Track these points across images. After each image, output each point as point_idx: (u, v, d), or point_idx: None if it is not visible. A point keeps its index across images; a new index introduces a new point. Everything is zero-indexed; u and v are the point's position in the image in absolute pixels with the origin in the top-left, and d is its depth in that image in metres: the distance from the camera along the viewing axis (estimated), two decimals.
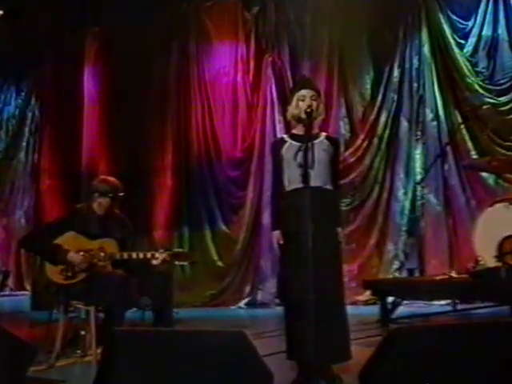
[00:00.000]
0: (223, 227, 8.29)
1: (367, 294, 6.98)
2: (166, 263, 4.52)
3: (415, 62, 7.53)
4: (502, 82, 7.17)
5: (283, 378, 3.45)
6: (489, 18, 7.21)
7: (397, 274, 7.34)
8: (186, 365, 2.62)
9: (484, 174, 6.96)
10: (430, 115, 7.38)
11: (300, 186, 3.46)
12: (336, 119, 7.78)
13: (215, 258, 8.21)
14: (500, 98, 7.11)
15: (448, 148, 6.94)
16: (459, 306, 6.04)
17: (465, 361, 2.39)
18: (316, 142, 3.66)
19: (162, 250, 4.49)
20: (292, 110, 3.77)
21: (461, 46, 7.34)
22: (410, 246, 7.38)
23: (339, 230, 3.74)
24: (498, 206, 5.63)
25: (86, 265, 4.42)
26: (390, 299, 5.87)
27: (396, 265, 7.40)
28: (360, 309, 6.76)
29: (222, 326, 6.22)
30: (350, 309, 3.84)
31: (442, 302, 6.45)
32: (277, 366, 3.07)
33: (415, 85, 7.51)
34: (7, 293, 8.91)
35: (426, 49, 7.46)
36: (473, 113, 6.96)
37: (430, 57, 7.43)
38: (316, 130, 3.77)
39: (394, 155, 7.58)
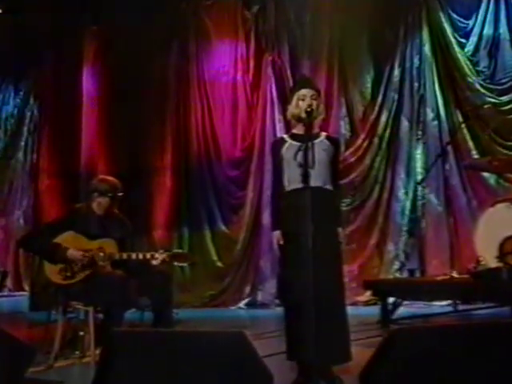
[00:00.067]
0: (223, 227, 8.28)
1: (368, 295, 6.98)
2: (165, 264, 4.50)
3: (416, 61, 7.53)
4: (503, 81, 7.16)
5: (283, 379, 3.43)
6: (490, 17, 7.21)
7: (397, 275, 7.33)
8: (185, 366, 2.60)
9: (485, 174, 6.96)
10: (430, 115, 7.38)
11: (300, 185, 3.44)
12: (336, 119, 7.77)
13: (215, 258, 8.20)
14: (501, 98, 7.11)
15: (449, 148, 6.94)
16: (460, 307, 6.04)
17: (466, 362, 2.37)
18: (316, 141, 3.64)
19: (161, 251, 4.49)
20: (292, 109, 3.75)
21: (462, 46, 7.33)
22: (411, 247, 7.38)
23: (339, 230, 3.72)
24: (499, 206, 5.60)
25: (87, 261, 4.39)
26: (391, 300, 5.86)
27: (397, 265, 7.39)
28: (360, 309, 6.75)
29: (222, 326, 6.20)
30: (350, 309, 3.83)
31: (443, 303, 6.45)
32: (277, 366, 3.05)
33: (416, 84, 7.50)
34: (5, 293, 8.90)
35: (426, 48, 7.45)
36: (474, 112, 6.95)
37: (430, 56, 7.42)
38: (316, 130, 3.75)
39: (395, 155, 7.58)
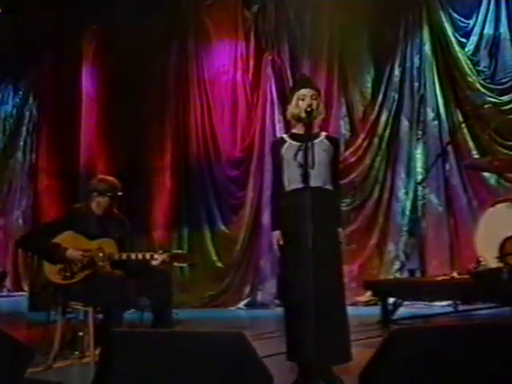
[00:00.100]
0: (223, 227, 8.26)
1: (368, 295, 6.96)
2: (165, 264, 4.49)
3: (416, 60, 7.51)
4: (503, 81, 7.15)
5: (283, 380, 3.42)
6: (490, 16, 7.19)
7: (398, 275, 7.32)
8: (185, 366, 2.59)
9: (485, 174, 6.94)
10: (430, 114, 7.36)
11: (300, 186, 3.44)
12: (336, 118, 7.75)
13: (215, 258, 8.18)
14: (501, 97, 7.09)
15: (449, 147, 6.95)
16: (460, 307, 6.03)
17: (466, 362, 2.37)
18: (316, 141, 3.63)
19: (161, 251, 4.49)
20: (292, 109, 3.75)
21: (462, 45, 7.32)
22: (411, 247, 7.37)
23: (340, 230, 3.72)
24: (499, 206, 5.60)
25: (87, 261, 4.38)
26: (391, 300, 5.86)
27: (397, 265, 7.38)
28: (360, 310, 6.73)
29: (222, 327, 6.19)
30: (350, 310, 3.82)
31: (444, 303, 6.44)
32: (277, 367, 3.05)
33: (416, 84, 7.49)
34: (5, 293, 8.91)
35: (427, 47, 7.44)
36: (474, 112, 6.94)
37: (431, 56, 7.41)
38: (316, 130, 3.74)
39: (395, 155, 7.56)
